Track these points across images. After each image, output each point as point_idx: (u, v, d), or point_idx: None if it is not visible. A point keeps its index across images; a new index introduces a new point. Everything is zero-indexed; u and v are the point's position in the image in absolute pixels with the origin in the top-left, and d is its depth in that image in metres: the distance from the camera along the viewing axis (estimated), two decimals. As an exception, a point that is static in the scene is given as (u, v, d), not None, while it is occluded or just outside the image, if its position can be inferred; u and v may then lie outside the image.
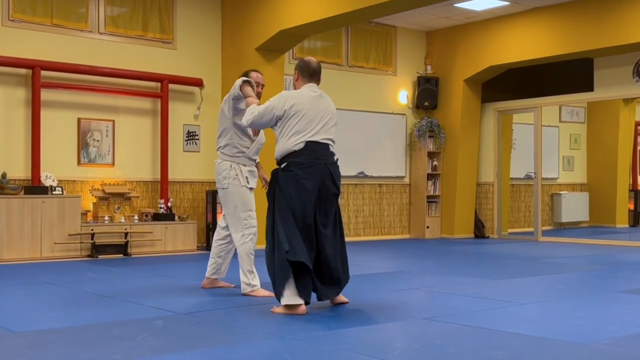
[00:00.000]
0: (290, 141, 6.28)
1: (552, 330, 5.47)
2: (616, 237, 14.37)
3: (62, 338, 5.27)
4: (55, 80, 11.37)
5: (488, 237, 15.31)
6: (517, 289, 7.87)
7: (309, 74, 6.55)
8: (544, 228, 15.44)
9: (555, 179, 16.94)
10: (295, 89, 6.59)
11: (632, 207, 16.82)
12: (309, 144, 6.25)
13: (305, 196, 6.18)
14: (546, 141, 15.28)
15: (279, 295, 6.13)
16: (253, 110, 6.50)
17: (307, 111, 6.31)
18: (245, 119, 6.60)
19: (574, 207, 17.01)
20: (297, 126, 6.28)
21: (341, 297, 6.62)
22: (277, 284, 6.15)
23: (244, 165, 7.29)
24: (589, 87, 13.95)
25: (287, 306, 6.09)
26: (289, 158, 6.27)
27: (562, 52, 13.47)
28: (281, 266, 6.09)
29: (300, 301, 6.09)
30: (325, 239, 6.27)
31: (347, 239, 14.85)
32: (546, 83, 14.65)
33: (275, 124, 6.41)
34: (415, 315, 6.06)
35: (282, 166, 6.32)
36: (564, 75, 14.31)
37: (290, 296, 6.07)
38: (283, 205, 6.22)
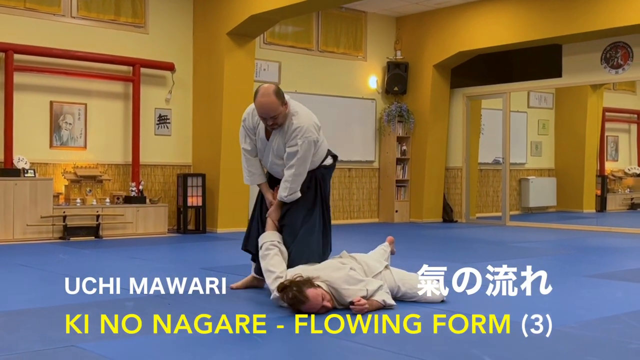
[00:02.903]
0: None
1: (521, 313, 5.51)
2: (583, 222, 14.48)
3: (33, 318, 5.27)
4: (28, 64, 11.31)
5: (456, 221, 15.39)
6: (485, 273, 7.91)
7: None
8: (512, 213, 15.54)
9: (523, 164, 17.03)
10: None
11: (599, 192, 16.93)
12: None
13: None
14: (514, 127, 15.36)
15: None
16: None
17: None
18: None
19: (542, 192, 17.11)
20: None
21: None
22: None
23: None
24: (557, 73, 14.03)
25: None
26: None
27: (530, 38, 13.53)
28: None
29: None
30: None
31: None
32: (515, 69, 14.74)
33: None
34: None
35: None
36: (533, 61, 14.38)
37: None
38: None
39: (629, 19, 12.17)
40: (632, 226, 13.64)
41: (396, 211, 15.30)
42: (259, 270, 6.55)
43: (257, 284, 6.70)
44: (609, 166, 17.53)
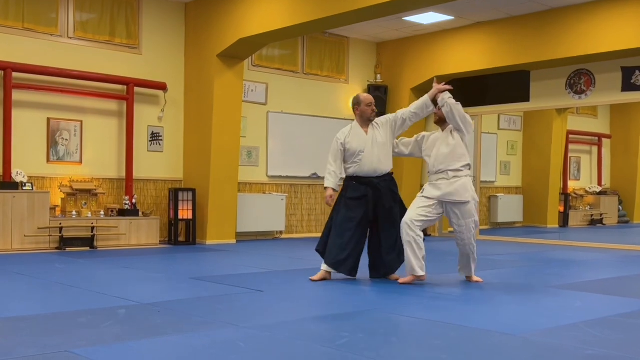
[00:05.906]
0: None
1: (486, 321, 5.54)
2: (547, 237, 14.52)
3: (30, 325, 5.24)
4: (27, 82, 11.27)
5: (430, 235, 15.40)
6: (456, 283, 7.94)
7: None
8: (482, 227, 15.57)
9: (493, 182, 17.10)
10: None
11: (562, 209, 17.03)
12: None
13: None
14: (485, 147, 15.42)
15: None
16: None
17: None
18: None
19: (510, 209, 17.18)
20: None
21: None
22: None
23: None
24: (525, 97, 14.10)
25: None
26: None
27: (501, 65, 13.60)
28: None
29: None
30: None
31: (301, 235, 14.80)
32: (486, 93, 14.78)
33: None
34: (362, 307, 6.11)
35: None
36: (503, 86, 14.44)
37: None
38: None
39: (591, 48, 12.26)
40: (591, 241, 13.70)
41: (374, 225, 15.27)
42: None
43: (328, 276, 7.82)
44: (572, 185, 17.66)
